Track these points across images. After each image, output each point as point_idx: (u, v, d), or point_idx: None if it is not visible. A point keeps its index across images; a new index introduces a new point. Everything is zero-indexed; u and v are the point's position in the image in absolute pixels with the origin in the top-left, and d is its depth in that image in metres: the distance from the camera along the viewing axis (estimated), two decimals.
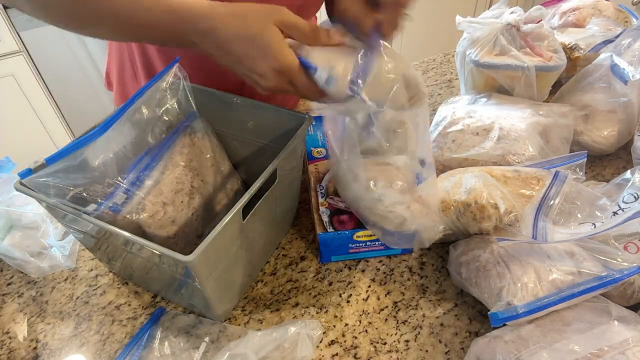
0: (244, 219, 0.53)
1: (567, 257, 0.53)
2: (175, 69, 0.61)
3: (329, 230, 0.63)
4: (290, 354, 0.53)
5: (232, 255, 0.55)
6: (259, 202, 0.56)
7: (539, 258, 0.53)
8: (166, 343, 0.57)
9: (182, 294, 0.60)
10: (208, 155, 0.67)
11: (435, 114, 0.83)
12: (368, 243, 0.64)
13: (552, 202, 0.56)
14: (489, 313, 0.52)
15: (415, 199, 0.57)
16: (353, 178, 0.59)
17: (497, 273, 0.54)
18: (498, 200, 0.56)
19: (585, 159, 0.63)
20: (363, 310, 0.61)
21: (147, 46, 0.77)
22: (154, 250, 0.47)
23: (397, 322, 0.60)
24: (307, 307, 0.62)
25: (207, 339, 0.57)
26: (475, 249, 0.58)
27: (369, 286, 0.64)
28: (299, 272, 0.66)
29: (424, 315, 0.60)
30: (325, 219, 0.64)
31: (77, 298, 0.65)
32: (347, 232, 0.62)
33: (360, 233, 0.63)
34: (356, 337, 0.58)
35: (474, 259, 0.57)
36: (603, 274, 0.50)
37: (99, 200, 0.55)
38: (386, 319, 0.60)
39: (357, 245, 0.64)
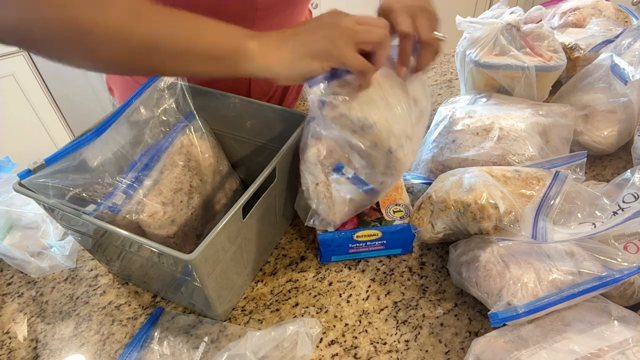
0: (243, 218, 0.53)
1: (567, 257, 0.53)
2: None
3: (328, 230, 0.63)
4: (290, 353, 0.53)
5: (231, 254, 0.55)
6: (258, 201, 0.56)
7: (539, 258, 0.53)
8: (165, 343, 0.57)
9: (182, 293, 0.60)
10: (207, 155, 0.67)
11: (435, 114, 0.82)
12: (368, 243, 0.64)
13: (552, 202, 0.56)
14: (489, 313, 0.52)
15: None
16: None
17: (497, 273, 0.54)
18: (498, 200, 0.56)
19: (585, 159, 0.63)
20: (363, 310, 0.61)
21: None
22: (155, 249, 0.47)
23: (397, 322, 0.60)
24: (307, 307, 0.62)
25: (206, 339, 0.57)
26: (475, 249, 0.58)
27: (369, 286, 0.64)
28: (299, 272, 0.66)
29: (424, 315, 0.60)
30: None
31: (77, 298, 0.65)
32: (347, 232, 0.62)
33: (360, 233, 0.63)
34: (356, 337, 0.58)
35: (474, 259, 0.57)
36: (603, 274, 0.50)
37: (98, 201, 0.55)
38: (386, 319, 0.60)
39: (357, 245, 0.64)
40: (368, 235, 0.63)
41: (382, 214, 0.64)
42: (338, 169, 0.57)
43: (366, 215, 0.64)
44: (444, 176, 0.64)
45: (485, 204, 0.56)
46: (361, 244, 0.64)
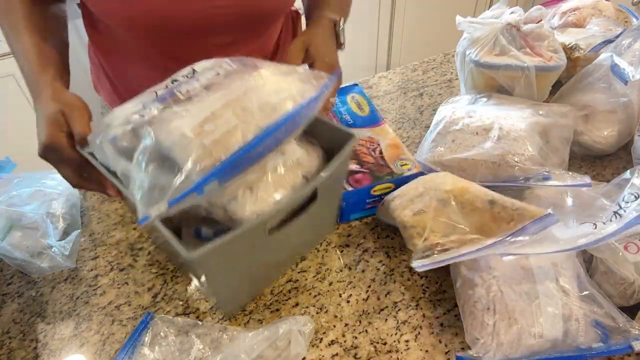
0: (269, 234, 0.53)
1: (561, 322, 0.51)
2: None
3: (347, 189, 0.67)
4: (285, 352, 0.53)
5: (250, 261, 0.56)
6: (291, 222, 0.56)
7: (531, 318, 0.51)
8: (157, 348, 0.56)
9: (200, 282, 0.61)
10: None
11: (435, 114, 0.83)
12: (382, 196, 0.69)
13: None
14: (456, 354, 0.53)
15: None
16: None
17: (482, 318, 0.53)
18: (430, 233, 0.58)
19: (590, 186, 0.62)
20: (363, 310, 0.61)
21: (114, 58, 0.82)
22: (162, 238, 0.47)
23: (397, 322, 0.60)
24: (307, 307, 0.62)
25: (198, 341, 0.57)
26: (476, 274, 0.56)
27: (369, 286, 0.64)
28: (299, 272, 0.66)
29: (424, 315, 0.60)
30: None
31: (77, 298, 0.65)
32: (364, 188, 0.67)
33: (377, 187, 0.68)
34: (356, 337, 0.58)
35: (470, 284, 0.56)
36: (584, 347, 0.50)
37: None
38: (386, 319, 0.60)
39: (373, 199, 0.70)
40: (383, 189, 0.68)
41: (391, 168, 0.70)
42: (198, 232, 0.58)
43: (377, 171, 0.69)
44: (413, 184, 0.65)
45: (414, 234, 0.59)
46: (377, 198, 0.69)
